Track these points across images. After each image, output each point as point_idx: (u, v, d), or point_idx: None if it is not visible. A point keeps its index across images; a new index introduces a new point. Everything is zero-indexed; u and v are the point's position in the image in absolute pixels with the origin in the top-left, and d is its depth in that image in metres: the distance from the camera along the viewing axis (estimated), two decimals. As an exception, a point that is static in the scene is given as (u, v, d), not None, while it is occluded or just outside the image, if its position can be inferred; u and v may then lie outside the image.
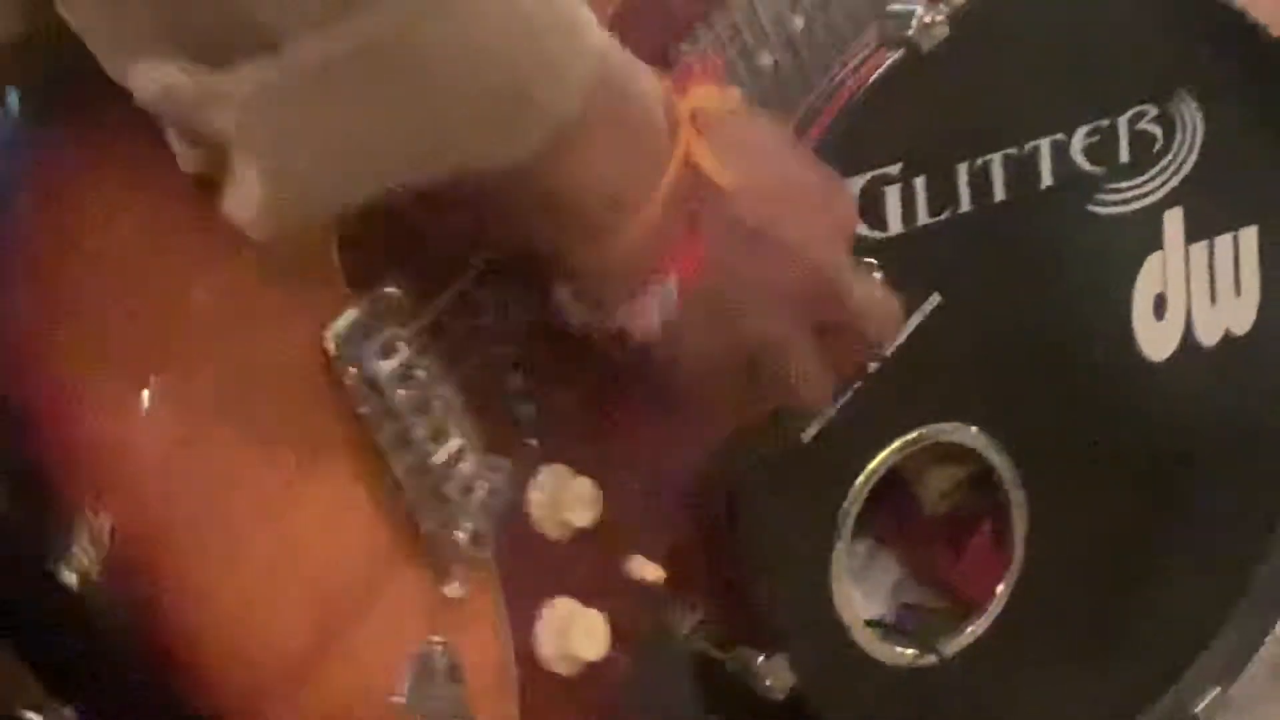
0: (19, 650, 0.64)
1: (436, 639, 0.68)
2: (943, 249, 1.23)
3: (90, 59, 0.54)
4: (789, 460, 1.24)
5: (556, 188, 0.60)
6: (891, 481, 1.29)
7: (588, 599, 0.75)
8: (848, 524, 1.26)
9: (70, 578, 0.60)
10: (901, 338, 1.26)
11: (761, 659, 1.20)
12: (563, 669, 0.74)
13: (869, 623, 1.29)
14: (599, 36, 0.60)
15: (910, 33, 1.14)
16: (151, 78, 0.53)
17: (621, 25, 0.67)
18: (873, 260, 0.83)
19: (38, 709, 0.64)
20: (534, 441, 0.73)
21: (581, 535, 0.74)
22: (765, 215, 0.67)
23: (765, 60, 0.80)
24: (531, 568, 0.74)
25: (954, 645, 1.29)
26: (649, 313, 0.65)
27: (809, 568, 1.26)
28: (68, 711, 0.64)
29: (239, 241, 0.57)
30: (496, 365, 0.72)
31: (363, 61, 0.52)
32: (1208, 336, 1.35)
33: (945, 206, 1.22)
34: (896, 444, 1.25)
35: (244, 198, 0.54)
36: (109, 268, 0.62)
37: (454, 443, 0.69)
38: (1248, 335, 1.37)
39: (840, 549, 1.25)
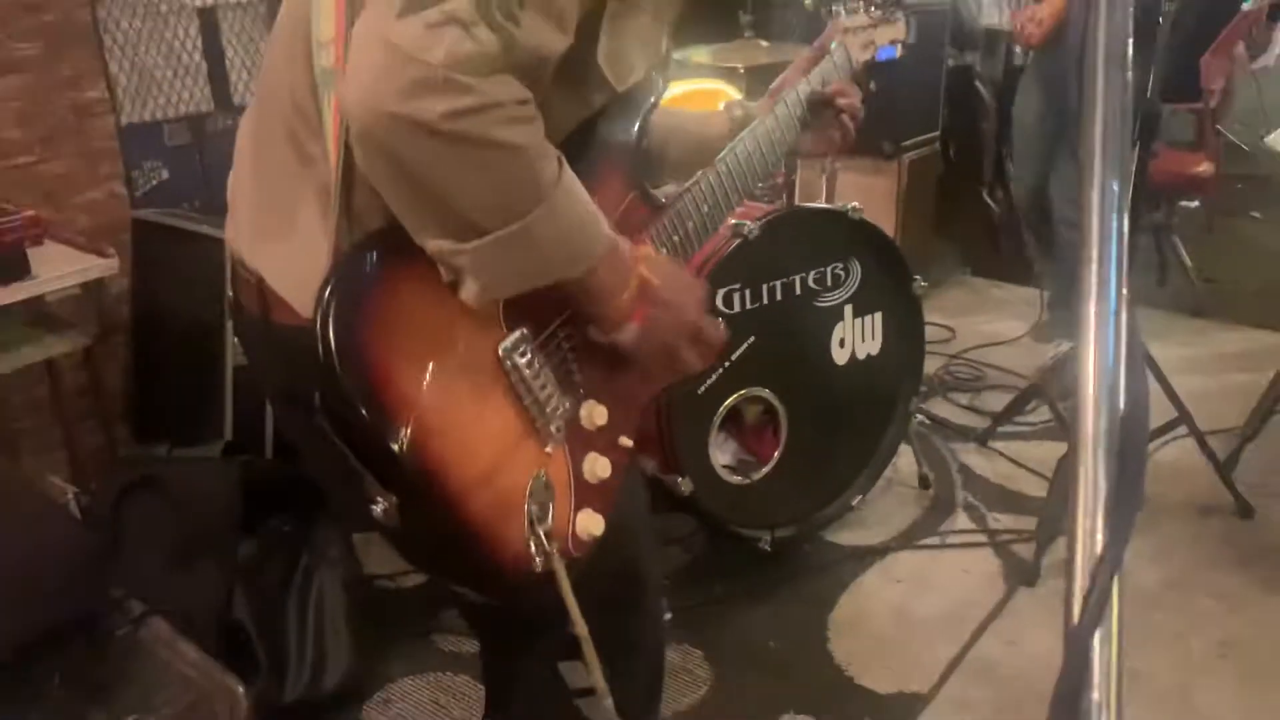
0: (368, 469, 0.93)
1: (541, 470, 1.03)
2: (755, 318, 2.20)
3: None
4: (693, 399, 2.17)
5: (587, 287, 1.01)
6: (734, 410, 2.27)
7: (603, 452, 1.11)
8: (715, 425, 2.25)
9: (395, 444, 0.91)
10: (737, 354, 2.19)
11: (679, 479, 2.17)
12: (591, 480, 1.09)
13: (724, 466, 2.32)
14: (607, 226, 1.00)
15: (745, 232, 2.14)
16: (433, 243, 0.91)
17: (619, 220, 1.09)
18: (719, 320, 1.17)
19: (380, 496, 0.93)
20: (581, 390, 1.09)
21: (600, 428, 1.11)
22: (673, 297, 1.07)
23: (676, 238, 1.19)
24: (580, 440, 1.08)
25: (757, 475, 2.33)
26: (628, 335, 1.05)
27: (700, 442, 2.24)
28: (392, 496, 0.92)
29: (459, 311, 0.95)
30: (566, 356, 1.08)
31: (517, 238, 0.91)
32: (861, 354, 2.42)
33: (755, 301, 2.21)
34: (736, 395, 2.25)
35: (469, 292, 0.93)
36: (417, 318, 0.95)
37: (549, 391, 1.04)
38: (877, 355, 2.44)
39: (713, 436, 2.25)
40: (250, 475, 2.05)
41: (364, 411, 0.92)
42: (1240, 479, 2.62)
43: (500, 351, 1.01)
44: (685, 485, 2.21)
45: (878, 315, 2.45)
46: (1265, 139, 3.88)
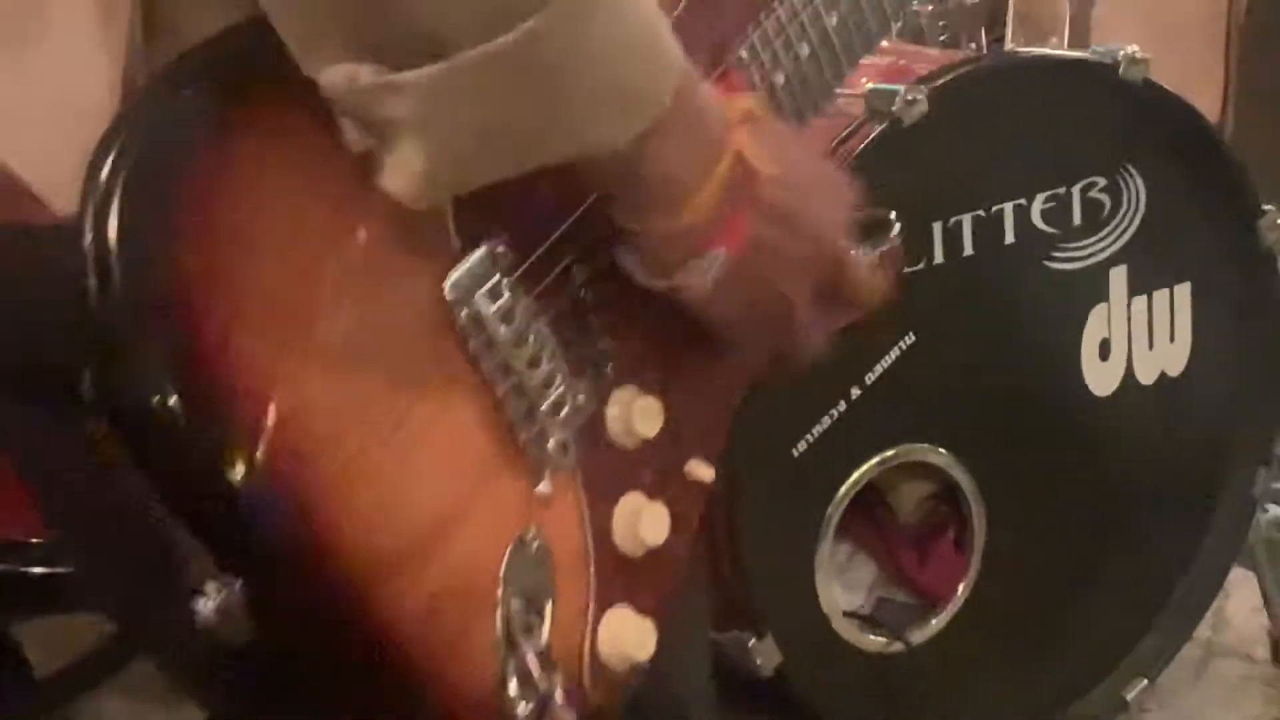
0: (193, 534, 0.71)
1: (531, 527, 0.78)
2: (918, 295, 1.37)
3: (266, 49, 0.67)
4: (782, 470, 1.40)
5: (640, 169, 0.71)
6: (870, 492, 1.45)
7: (653, 494, 0.84)
8: (831, 527, 1.42)
9: (235, 474, 0.69)
10: (882, 369, 1.44)
11: (753, 640, 1.36)
12: (631, 551, 0.83)
13: (847, 614, 1.46)
14: (678, 48, 0.71)
15: (894, 108, 1.33)
16: (339, 73, 0.64)
17: (681, 28, 0.76)
18: (880, 253, 0.90)
19: (212, 580, 0.70)
20: (609, 368, 0.82)
21: (647, 443, 0.83)
22: (793, 201, 0.77)
23: (782, 76, 0.90)
24: (607, 469, 0.83)
25: (919, 635, 1.47)
26: (701, 275, 0.75)
27: (796, 563, 1.43)
28: (235, 581, 0.70)
29: (374, 212, 0.68)
30: (580, 306, 0.81)
31: (515, 62, 0.62)
32: (1146, 376, 1.52)
33: (921, 258, 1.39)
34: (874, 460, 1.42)
35: (405, 173, 0.65)
36: (274, 230, 0.71)
37: (546, 369, 0.78)
38: (1181, 376, 1.54)
39: (824, 549, 1.42)
40: None
41: (178, 401, 0.67)
42: None
43: (448, 290, 0.74)
44: (767, 655, 1.42)
45: (1182, 291, 1.55)
46: None
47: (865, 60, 1.39)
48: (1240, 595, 1.82)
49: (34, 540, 1.63)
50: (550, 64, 0.65)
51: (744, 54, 0.87)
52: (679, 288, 0.76)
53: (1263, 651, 1.81)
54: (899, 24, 1.16)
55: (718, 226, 0.73)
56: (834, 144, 1.38)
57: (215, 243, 0.70)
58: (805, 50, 0.89)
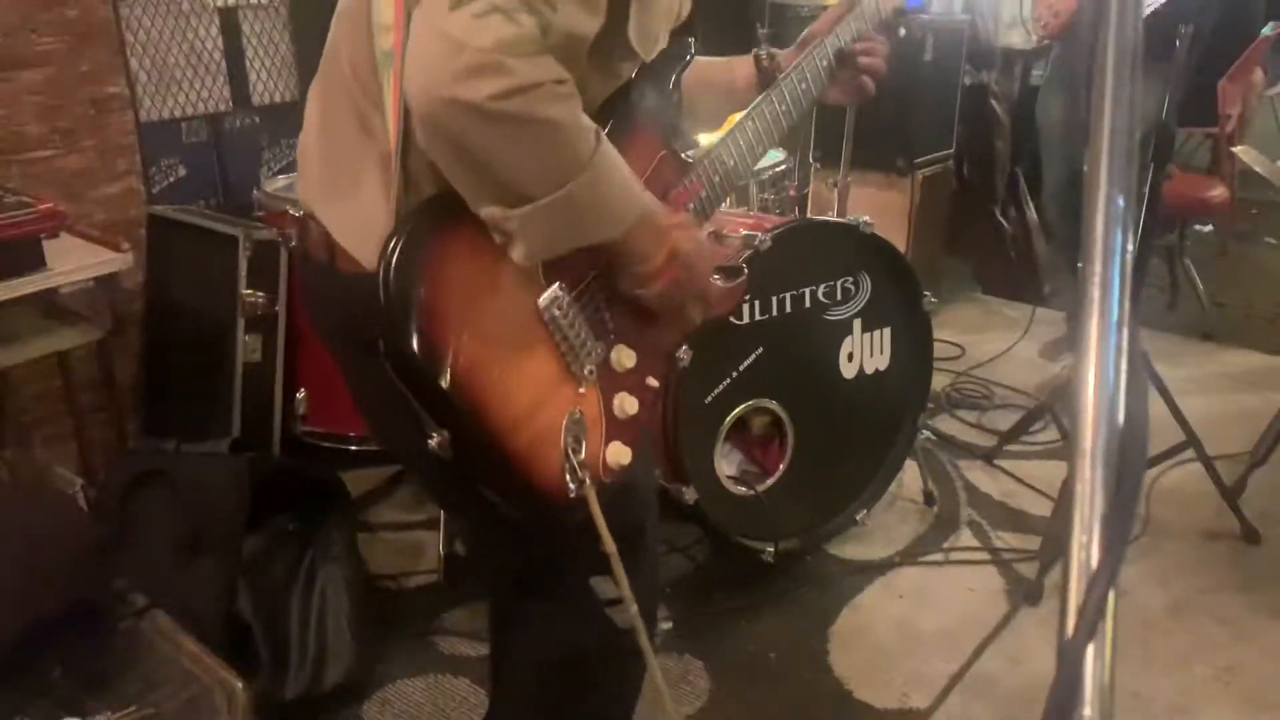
0: (424, 409, 1.03)
1: (576, 408, 1.15)
2: (764, 330, 2.22)
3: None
4: (701, 407, 2.18)
5: (624, 248, 1.12)
6: (741, 420, 2.29)
7: (631, 391, 1.22)
8: (722, 435, 2.26)
9: (445, 381, 1.01)
10: (745, 365, 2.20)
11: (683, 488, 2.19)
12: (621, 416, 1.20)
13: (729, 477, 2.33)
14: (644, 192, 1.13)
15: (756, 243, 2.13)
16: (486, 210, 1.02)
17: (648, 182, 1.18)
18: (743, 268, 1.33)
19: (434, 431, 1.04)
20: (613, 336, 1.20)
21: (629, 370, 1.21)
22: (693, 260, 1.19)
23: (704, 193, 1.29)
24: (611, 382, 1.19)
25: (762, 487, 2.34)
26: (652, 291, 1.17)
27: (706, 452, 2.26)
28: (445, 431, 1.03)
29: (505, 270, 1.06)
30: (599, 308, 1.18)
31: (564, 204, 1.02)
32: (869, 369, 2.43)
33: (765, 312, 2.22)
34: (744, 405, 2.27)
35: (518, 253, 1.04)
36: (467, 274, 1.05)
37: (583, 338, 1.14)
38: (885, 370, 2.46)
39: (719, 446, 2.27)
40: (257, 472, 2.06)
41: (418, 352, 1.01)
42: (1247, 504, 2.60)
43: (540, 305, 1.11)
44: (690, 494, 2.21)
45: (887, 330, 2.45)
46: (1281, 165, 3.90)
47: (740, 220, 2.38)
48: (910, 472, 2.73)
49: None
50: (582, 204, 1.03)
51: (685, 185, 1.28)
52: (641, 298, 1.18)
53: (919, 499, 2.72)
54: (743, 183, 1.56)
55: (662, 270, 1.16)
56: (726, 259, 1.94)
57: (438, 284, 1.03)
58: (717, 179, 1.32)
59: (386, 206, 1.09)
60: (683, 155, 1.29)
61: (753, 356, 2.26)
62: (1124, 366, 0.48)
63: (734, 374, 2.25)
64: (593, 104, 1.10)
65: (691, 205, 1.29)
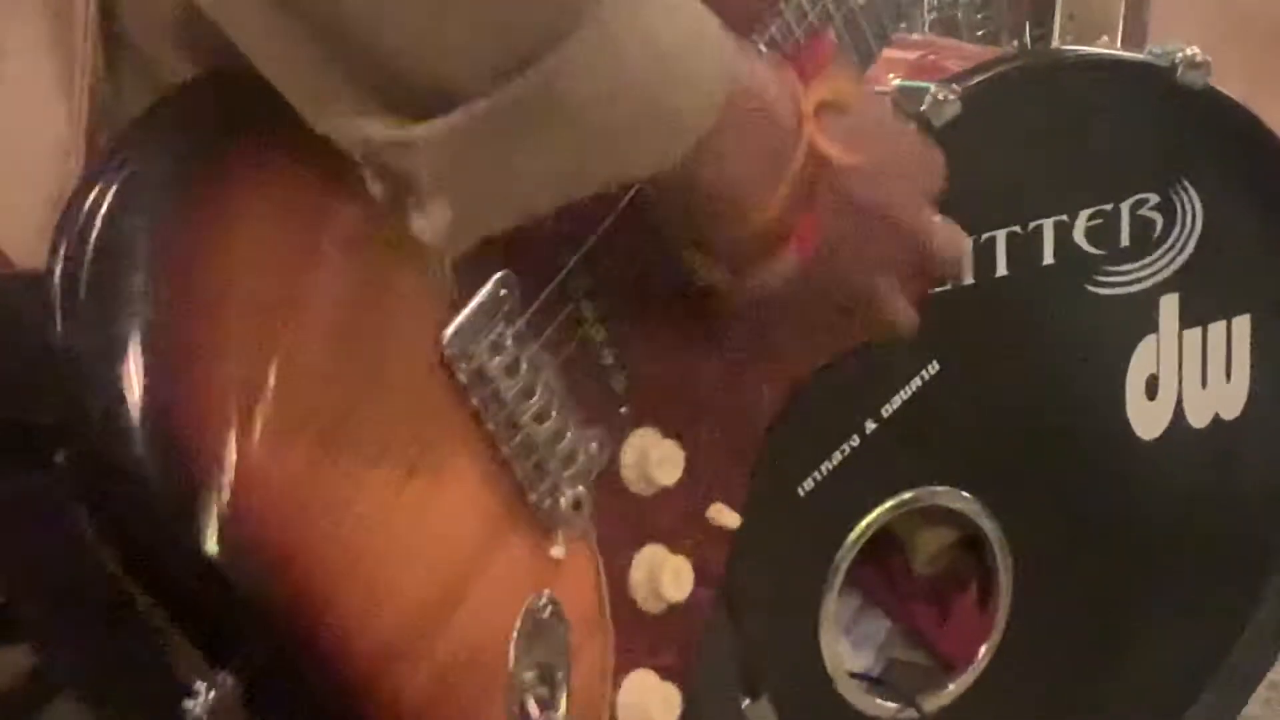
0: (175, 622, 0.82)
1: (543, 593, 0.91)
2: (944, 318, 1.40)
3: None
4: (786, 509, 1.52)
5: (694, 189, 0.83)
6: (883, 539, 1.59)
7: (674, 545, 0.97)
8: (838, 577, 1.54)
9: (213, 549, 0.78)
10: (901, 401, 1.54)
11: (747, 702, 1.49)
12: (652, 608, 0.96)
13: (854, 675, 1.59)
14: (728, 48, 0.81)
15: (923, 108, 1.45)
16: (353, 128, 0.75)
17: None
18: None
19: (200, 677, 0.81)
20: (625, 409, 0.96)
21: (666, 490, 0.96)
22: (871, 190, 0.91)
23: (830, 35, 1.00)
24: (623, 521, 0.96)
25: (935, 702, 1.60)
26: (775, 275, 0.89)
27: (798, 616, 1.55)
28: (226, 678, 0.81)
29: (369, 259, 0.81)
30: (591, 346, 0.95)
31: (525, 109, 0.73)
32: (1198, 419, 1.67)
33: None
34: (890, 503, 1.55)
35: (434, 223, 0.76)
36: (261, 285, 0.82)
37: (555, 421, 0.91)
38: (1237, 419, 1.68)
39: (830, 601, 1.53)
40: None
41: (160, 474, 0.81)
42: None
43: (446, 342, 0.87)
44: (762, 718, 1.58)
45: (1241, 324, 1.73)
46: None
47: (894, 54, 1.56)
48: None
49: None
50: (577, 100, 0.76)
51: (782, 21, 1.01)
52: (748, 289, 0.92)
53: None
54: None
55: (790, 228, 0.88)
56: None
57: (202, 304, 0.83)
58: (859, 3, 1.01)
59: (62, 112, 0.93)
60: None
61: (915, 385, 1.61)
62: None
63: (869, 428, 1.60)
64: None
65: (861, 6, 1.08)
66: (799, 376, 1.08)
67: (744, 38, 0.97)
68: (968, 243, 1.10)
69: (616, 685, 0.99)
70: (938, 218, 1.02)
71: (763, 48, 1.01)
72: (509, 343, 0.92)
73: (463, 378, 0.90)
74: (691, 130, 0.82)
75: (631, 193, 0.93)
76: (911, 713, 1.65)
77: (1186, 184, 1.67)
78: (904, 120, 1.44)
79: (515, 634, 0.92)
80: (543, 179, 0.82)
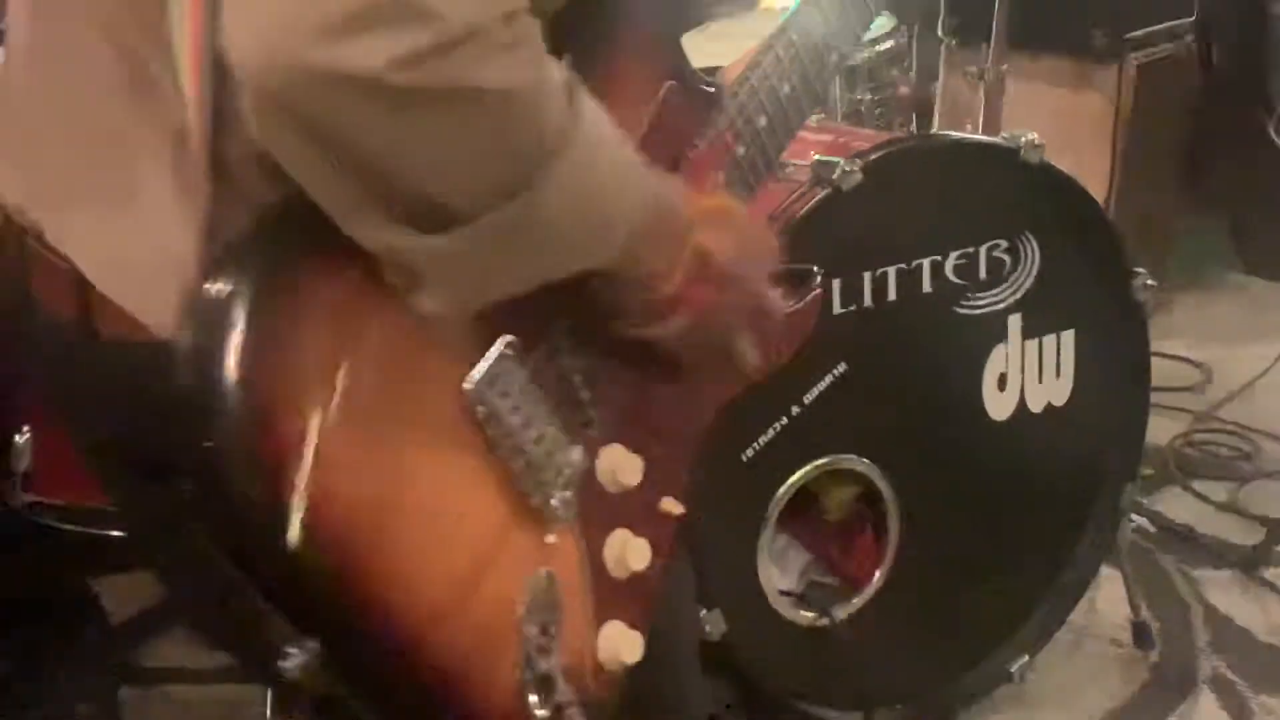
0: (269, 600, 0.94)
1: (542, 570, 1.05)
2: (850, 331, 1.78)
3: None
4: (733, 471, 1.77)
5: (621, 273, 0.99)
6: (804, 493, 1.85)
7: (637, 526, 1.12)
8: (771, 520, 1.81)
9: (296, 545, 0.90)
10: (818, 391, 1.82)
11: (703, 611, 1.72)
12: (620, 575, 1.11)
13: (782, 592, 1.86)
14: (648, 176, 0.98)
15: (835, 177, 1.70)
16: (375, 236, 0.90)
17: (648, 144, 1.08)
18: (813, 269, 1.28)
19: (290, 643, 0.93)
20: (597, 431, 1.10)
21: (631, 489, 1.11)
22: (736, 271, 1.08)
23: (740, 152, 1.22)
24: (599, 512, 1.10)
25: (843, 612, 1.87)
26: (672, 327, 1.06)
27: (741, 549, 1.81)
28: (312, 643, 0.93)
29: (405, 327, 0.94)
30: (571, 387, 1.09)
31: (509, 229, 0.88)
32: (1036, 405, 1.97)
33: (853, 301, 1.80)
34: (809, 466, 1.82)
35: (435, 304, 0.91)
36: (331, 348, 0.94)
37: (547, 443, 1.05)
38: (1064, 406, 1.98)
39: (765, 537, 1.81)
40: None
41: (256, 495, 0.90)
42: None
43: (469, 388, 0.99)
44: (715, 624, 1.80)
45: (1068, 336, 2.03)
46: None
47: (813, 137, 1.85)
48: (1108, 589, 2.28)
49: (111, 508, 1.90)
50: (548, 220, 0.92)
51: (706, 142, 1.19)
52: (659, 338, 1.09)
53: (1125, 637, 2.30)
54: (826, 102, 1.42)
55: (681, 297, 1.05)
56: (784, 205, 1.77)
57: (287, 364, 0.94)
58: (763, 121, 1.23)
59: (184, 220, 0.96)
60: (703, 85, 1.19)
61: (828, 380, 1.85)
62: None
63: (794, 411, 1.85)
64: (545, 12, 0.97)
65: (722, 173, 1.20)
66: (719, 400, 1.23)
67: (687, 143, 1.21)
68: (803, 327, 1.30)
69: (595, 633, 1.12)
70: (774, 290, 1.18)
71: (690, 156, 1.20)
72: (513, 388, 1.05)
73: (479, 415, 1.02)
74: (625, 236, 0.99)
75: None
76: (825, 620, 1.92)
77: (1028, 233, 1.96)
78: (813, 186, 1.80)
79: (522, 599, 1.05)
80: (519, 273, 0.98)
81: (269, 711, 2.01)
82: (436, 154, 0.90)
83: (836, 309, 1.85)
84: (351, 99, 0.86)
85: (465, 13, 0.86)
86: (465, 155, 0.91)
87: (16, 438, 2.08)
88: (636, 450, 1.13)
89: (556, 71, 0.95)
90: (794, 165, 1.81)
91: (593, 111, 0.97)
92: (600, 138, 0.97)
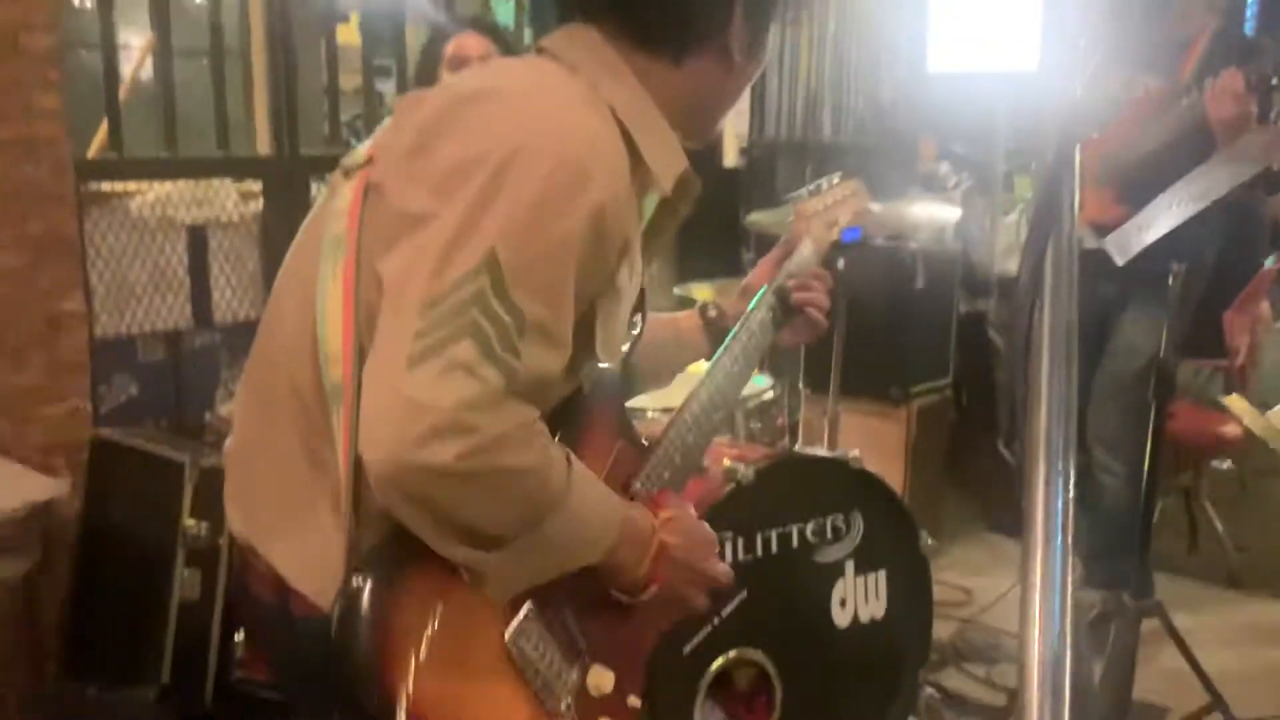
0: None
1: None
2: (748, 571, 2.20)
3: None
4: (678, 658, 2.15)
5: (605, 566, 1.18)
6: (723, 673, 2.23)
7: (613, 718, 1.27)
8: (702, 690, 2.20)
9: None
10: (731, 608, 2.17)
11: None
12: None
13: None
14: (620, 504, 1.18)
15: (738, 476, 2.19)
16: (454, 553, 1.06)
17: (609, 481, 1.23)
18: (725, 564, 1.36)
19: None
20: (585, 655, 1.23)
21: (606, 694, 1.26)
22: (688, 557, 1.26)
23: (667, 474, 1.36)
24: (588, 710, 1.24)
25: None
26: (645, 596, 1.23)
27: (684, 711, 2.20)
28: None
29: (470, 604, 1.11)
30: (568, 623, 1.23)
31: (535, 544, 1.08)
32: (865, 617, 2.39)
33: (749, 552, 2.24)
34: (725, 657, 2.21)
35: (491, 591, 1.10)
36: (428, 620, 1.09)
37: (555, 668, 1.18)
38: (882, 617, 2.42)
39: (698, 701, 2.21)
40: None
41: (374, 706, 1.04)
42: (1285, 775, 2.54)
43: (507, 638, 1.13)
44: None
45: (882, 573, 2.44)
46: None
47: (725, 450, 2.40)
48: None
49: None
50: (554, 541, 1.10)
51: (648, 473, 1.33)
52: (633, 603, 1.25)
53: None
54: (722, 437, 1.63)
55: (649, 579, 1.23)
56: (707, 493, 2.15)
57: (399, 626, 1.08)
58: (678, 459, 1.40)
59: (340, 544, 1.11)
60: (640, 442, 1.32)
61: (736, 601, 2.23)
62: (1067, 634, 0.49)
63: (716, 620, 2.21)
64: (548, 407, 1.14)
65: (654, 490, 1.32)
66: (670, 622, 1.36)
67: (634, 477, 1.31)
68: (730, 573, 1.39)
69: None
70: (720, 565, 1.33)
71: (638, 486, 1.31)
72: (533, 635, 1.18)
73: (513, 654, 1.16)
74: (607, 547, 1.17)
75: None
76: (736, 760, 2.26)
77: (856, 510, 2.41)
78: (725, 482, 2.15)
79: None
80: (541, 571, 1.14)
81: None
82: (488, 508, 1.04)
83: (740, 556, 2.24)
84: (434, 481, 1.00)
85: (496, 426, 1.01)
86: (505, 506, 1.05)
87: (236, 636, 2.33)
88: (611, 667, 1.26)
89: (556, 450, 1.10)
90: (713, 467, 2.20)
91: (580, 469, 1.11)
92: (589, 485, 1.12)
